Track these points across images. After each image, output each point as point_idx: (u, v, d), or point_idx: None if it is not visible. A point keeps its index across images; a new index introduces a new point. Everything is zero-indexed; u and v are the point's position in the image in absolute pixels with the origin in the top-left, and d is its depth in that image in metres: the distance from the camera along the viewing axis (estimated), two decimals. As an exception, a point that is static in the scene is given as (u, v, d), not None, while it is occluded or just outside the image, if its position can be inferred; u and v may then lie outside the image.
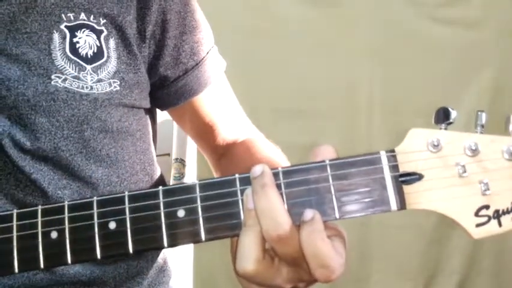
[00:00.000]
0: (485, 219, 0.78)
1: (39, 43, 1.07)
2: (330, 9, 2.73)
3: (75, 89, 1.07)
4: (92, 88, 1.08)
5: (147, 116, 1.22)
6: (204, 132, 1.32)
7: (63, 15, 1.09)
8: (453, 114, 0.81)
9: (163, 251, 1.26)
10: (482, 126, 0.80)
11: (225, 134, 1.32)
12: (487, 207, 0.78)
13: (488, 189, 0.78)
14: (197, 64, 1.23)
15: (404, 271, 2.83)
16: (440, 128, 0.81)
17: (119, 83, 1.11)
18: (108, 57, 1.11)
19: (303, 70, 2.70)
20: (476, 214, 0.79)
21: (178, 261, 1.50)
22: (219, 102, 1.30)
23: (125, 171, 1.14)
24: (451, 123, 0.81)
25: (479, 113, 0.81)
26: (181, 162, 1.67)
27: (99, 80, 1.09)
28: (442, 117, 0.81)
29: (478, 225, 0.79)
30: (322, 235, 0.80)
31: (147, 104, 1.19)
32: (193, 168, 1.68)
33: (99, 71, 1.09)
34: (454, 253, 2.84)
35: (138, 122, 1.17)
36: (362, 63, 2.75)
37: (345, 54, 2.73)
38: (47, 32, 1.08)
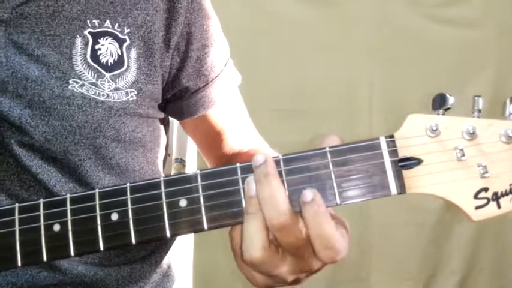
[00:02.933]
0: (484, 201, 0.79)
1: (61, 46, 1.07)
2: (330, 9, 2.73)
3: (92, 95, 1.07)
4: (108, 96, 1.08)
5: (161, 127, 1.22)
6: (212, 141, 1.32)
7: (88, 21, 1.09)
8: (450, 100, 0.82)
9: (168, 255, 1.26)
10: (479, 110, 0.81)
11: (233, 143, 1.32)
12: (486, 189, 0.79)
13: (486, 172, 0.79)
14: (217, 76, 1.23)
15: (404, 270, 2.84)
16: (438, 114, 0.82)
17: (136, 92, 1.11)
18: (128, 66, 1.11)
19: (303, 70, 2.71)
20: (476, 197, 0.79)
21: (178, 263, 1.50)
22: (232, 113, 1.30)
23: (134, 181, 1.14)
24: (448, 108, 0.82)
25: (476, 98, 0.82)
26: (182, 162, 1.67)
27: (116, 89, 1.09)
28: (440, 103, 0.82)
29: (477, 207, 0.80)
30: (327, 216, 0.80)
31: (160, 114, 1.20)
32: (193, 168, 1.68)
33: (117, 80, 1.09)
34: (454, 252, 2.84)
35: (152, 133, 1.17)
36: (362, 63, 2.75)
37: (344, 54, 2.74)
38: (70, 36, 1.08)
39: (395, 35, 2.74)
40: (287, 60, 2.69)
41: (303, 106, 2.73)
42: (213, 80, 1.23)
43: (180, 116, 1.26)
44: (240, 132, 1.33)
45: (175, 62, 1.17)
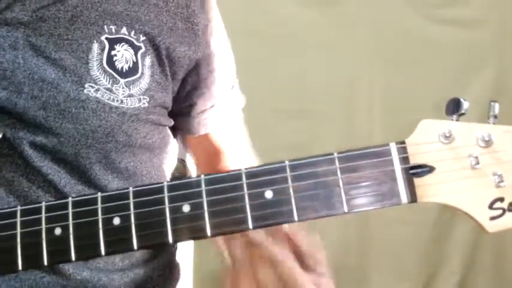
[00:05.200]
0: (499, 211, 0.77)
1: (78, 51, 1.08)
2: (330, 9, 2.73)
3: (106, 100, 1.07)
4: (122, 102, 1.09)
5: (170, 133, 1.23)
6: (210, 159, 1.33)
7: (105, 26, 1.10)
8: (465, 105, 0.79)
9: (171, 259, 1.26)
10: (496, 116, 0.78)
11: (231, 164, 1.33)
12: (501, 199, 0.77)
13: (502, 181, 0.76)
14: (224, 98, 1.25)
15: (404, 271, 2.84)
16: (452, 119, 0.80)
17: (148, 99, 1.11)
18: (142, 74, 1.11)
19: (303, 70, 2.70)
20: (491, 207, 0.77)
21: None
22: (233, 135, 1.31)
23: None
24: (463, 114, 0.80)
25: (492, 103, 0.79)
26: (182, 162, 1.66)
27: (130, 95, 1.10)
28: (454, 108, 0.80)
29: (492, 218, 0.77)
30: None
31: (170, 121, 1.20)
32: (193, 169, 1.67)
33: (131, 86, 1.10)
34: (454, 252, 2.84)
35: (162, 140, 1.18)
36: (362, 63, 2.75)
37: (344, 54, 2.73)
38: (88, 41, 1.09)
39: (395, 35, 2.74)
40: (287, 60, 2.69)
41: (303, 106, 2.72)
42: (220, 101, 1.24)
43: (183, 132, 1.27)
44: (238, 155, 1.34)
45: (190, 79, 1.18)
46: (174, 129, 1.25)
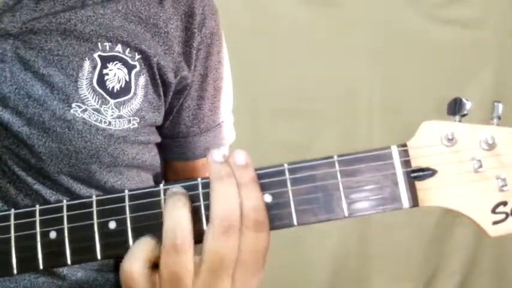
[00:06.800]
0: (502, 216, 0.75)
1: (68, 68, 1.04)
2: (330, 9, 2.72)
3: (93, 121, 1.05)
4: (110, 123, 1.06)
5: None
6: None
7: (99, 43, 1.07)
8: (467, 105, 0.78)
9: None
10: (499, 118, 0.77)
11: None
12: (504, 203, 0.75)
13: (505, 184, 0.75)
14: (211, 128, 1.22)
15: (404, 271, 2.84)
16: (455, 120, 0.78)
17: (138, 120, 1.09)
18: (135, 94, 1.08)
19: (303, 70, 2.69)
20: (493, 211, 0.75)
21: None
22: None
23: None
24: (465, 114, 0.78)
25: (495, 103, 0.77)
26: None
27: (119, 117, 1.07)
28: (456, 108, 0.78)
29: (495, 222, 0.76)
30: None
31: (158, 137, 1.18)
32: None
33: (121, 107, 1.07)
34: (454, 253, 2.84)
35: (153, 158, 1.16)
36: (362, 63, 2.74)
37: (344, 54, 2.72)
38: (79, 58, 1.05)
39: (395, 35, 2.73)
40: (287, 60, 2.68)
41: (303, 106, 2.71)
42: (208, 130, 1.22)
43: (163, 154, 1.24)
44: None
45: (179, 102, 1.16)
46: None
